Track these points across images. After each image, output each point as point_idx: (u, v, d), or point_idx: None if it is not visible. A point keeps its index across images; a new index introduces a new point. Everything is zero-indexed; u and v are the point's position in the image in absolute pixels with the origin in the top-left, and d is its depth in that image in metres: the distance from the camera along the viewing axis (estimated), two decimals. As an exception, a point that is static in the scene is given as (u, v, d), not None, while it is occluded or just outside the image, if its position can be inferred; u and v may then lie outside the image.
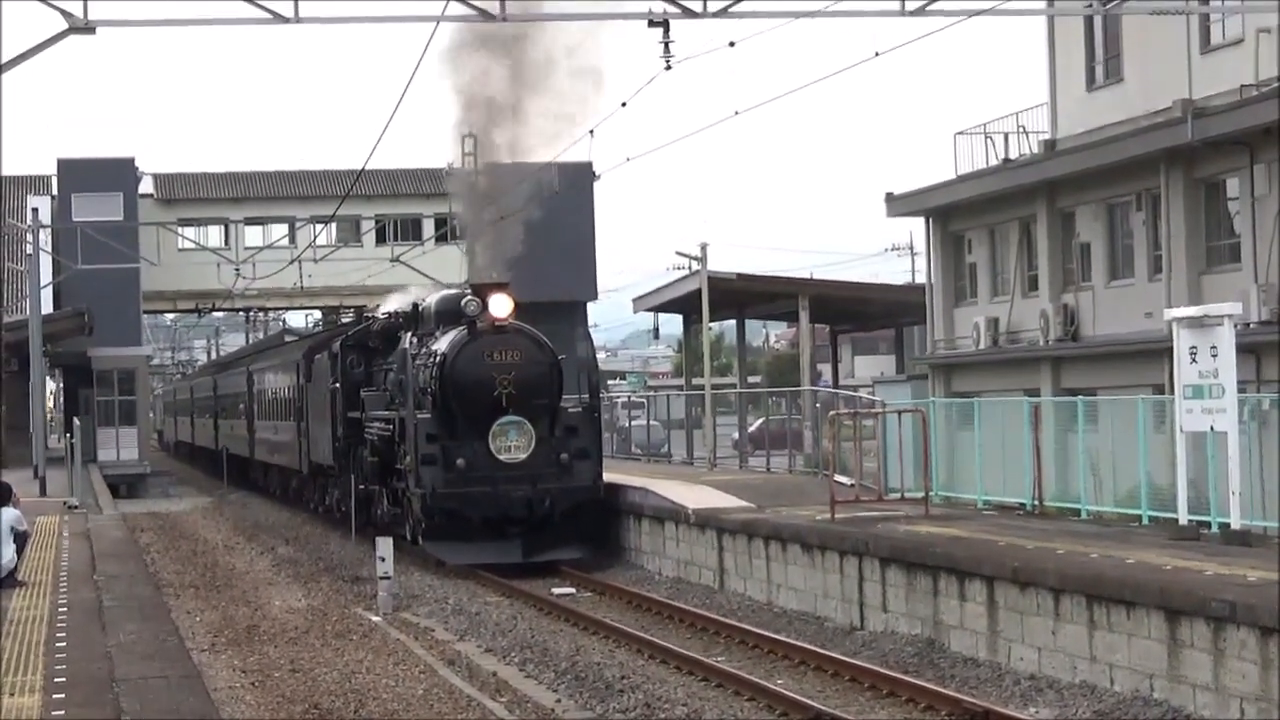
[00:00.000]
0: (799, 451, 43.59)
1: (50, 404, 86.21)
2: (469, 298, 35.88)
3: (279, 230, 76.78)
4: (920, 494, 30.21)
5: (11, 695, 15.03)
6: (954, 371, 45.49)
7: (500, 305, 35.34)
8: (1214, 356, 23.25)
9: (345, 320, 63.70)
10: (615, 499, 36.71)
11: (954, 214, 45.76)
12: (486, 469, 34.88)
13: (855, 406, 38.23)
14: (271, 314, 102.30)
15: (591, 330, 72.41)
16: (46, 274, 60.62)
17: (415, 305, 40.29)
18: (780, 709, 19.84)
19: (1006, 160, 42.93)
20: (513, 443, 35.01)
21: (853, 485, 32.30)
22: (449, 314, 37.25)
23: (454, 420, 35.50)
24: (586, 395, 37.41)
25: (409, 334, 38.95)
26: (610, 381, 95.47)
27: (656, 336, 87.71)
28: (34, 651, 17.56)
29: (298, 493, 53.04)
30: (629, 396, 68.51)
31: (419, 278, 58.64)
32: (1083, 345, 39.75)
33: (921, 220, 48.19)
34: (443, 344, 36.17)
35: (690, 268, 58.98)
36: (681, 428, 53.71)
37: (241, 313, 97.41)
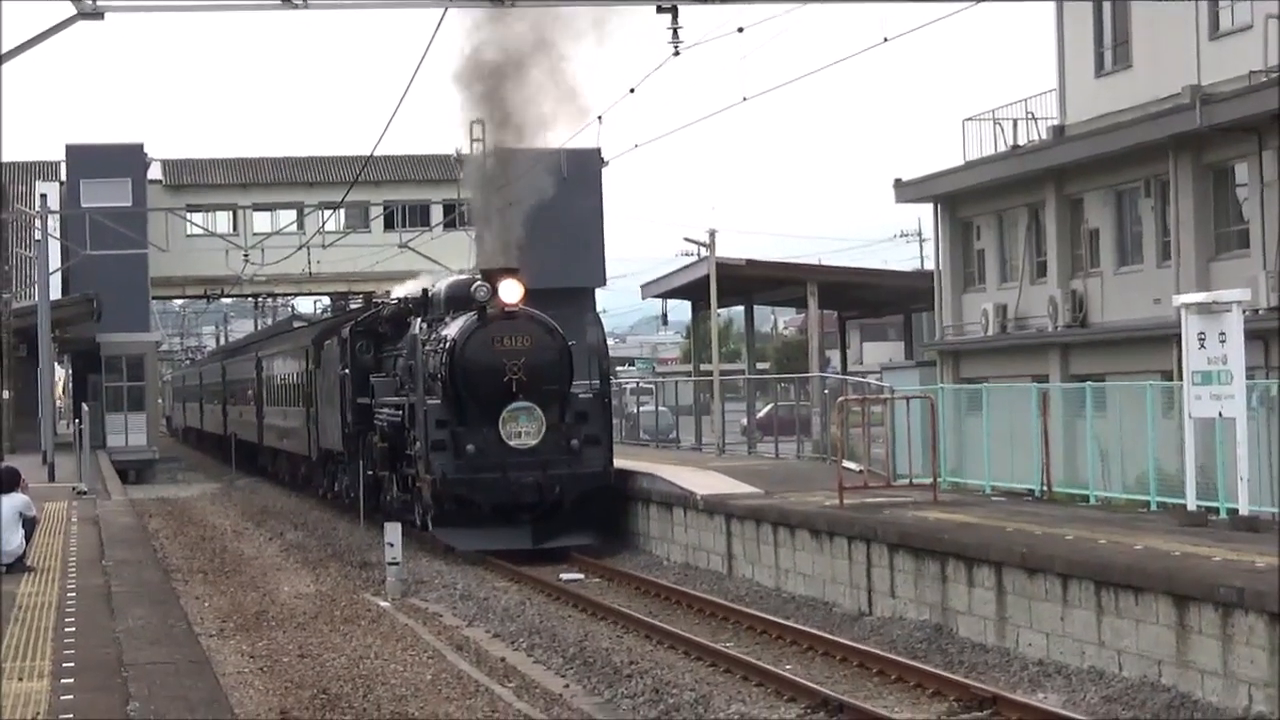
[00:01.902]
0: (807, 437, 43.58)
1: (59, 390, 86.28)
2: (479, 283, 35.77)
3: (287, 216, 76.86)
4: (928, 480, 30.17)
5: (20, 680, 15.07)
6: (962, 358, 45.50)
7: (510, 291, 35.28)
8: (1222, 343, 23.23)
9: (354, 306, 63.76)
10: (623, 485, 36.68)
11: (962, 200, 45.74)
12: (497, 455, 34.82)
13: (864, 393, 38.21)
14: (280, 300, 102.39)
15: (600, 316, 72.32)
16: (55, 260, 60.70)
17: (425, 291, 40.26)
18: (788, 694, 19.85)
19: (1015, 146, 42.91)
20: (523, 429, 34.97)
21: (861, 471, 32.29)
22: (459, 300, 37.21)
23: (464, 406, 35.47)
24: (597, 381, 37.34)
25: (419, 320, 38.91)
26: (619, 367, 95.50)
27: (665, 322, 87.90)
28: (43, 637, 17.59)
29: (306, 478, 53.08)
30: (638, 382, 68.49)
31: (427, 264, 58.70)
32: (1091, 331, 39.75)
33: (930, 206, 48.19)
34: (453, 330, 36.13)
35: (699, 254, 58.99)
36: (690, 414, 53.70)
37: (250, 299, 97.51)
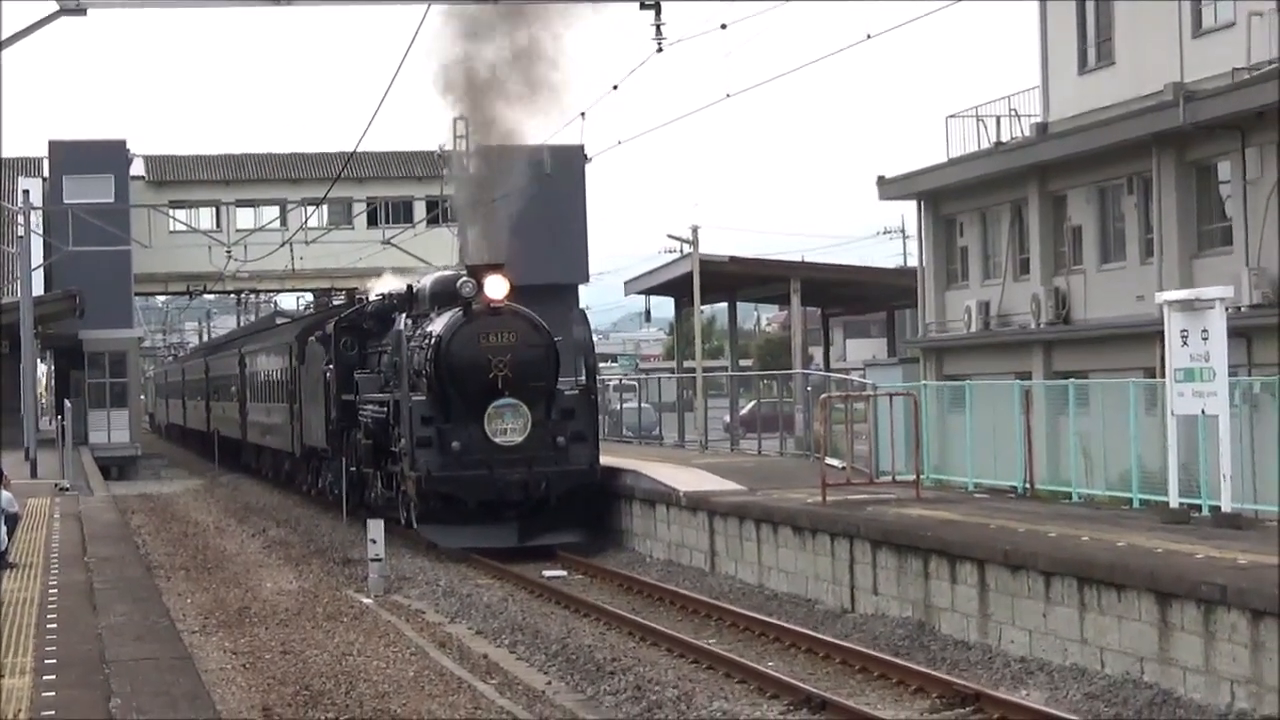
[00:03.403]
0: (790, 434, 43.60)
1: (41, 386, 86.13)
2: (464, 279, 35.72)
3: (270, 212, 76.77)
4: (911, 477, 30.20)
5: (2, 677, 15.03)
6: (945, 355, 45.50)
7: (496, 287, 35.21)
8: (1205, 340, 23.26)
9: (337, 302, 63.68)
10: (607, 482, 36.64)
11: (945, 197, 45.75)
12: (482, 452, 34.74)
13: (847, 389, 38.23)
14: (263, 296, 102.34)
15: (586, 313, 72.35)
16: (38, 256, 60.53)
17: (410, 287, 40.18)
18: (770, 691, 19.85)
19: (998, 143, 42.91)
20: (508, 425, 34.91)
21: (844, 468, 32.31)
22: (444, 295, 37.15)
23: (449, 403, 35.40)
24: (583, 377, 37.27)
25: (404, 316, 38.84)
26: (601, 364, 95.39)
27: (648, 319, 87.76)
28: (25, 633, 17.55)
29: (290, 475, 53.02)
30: (620, 379, 68.50)
31: (411, 260, 58.69)
32: (1074, 328, 39.77)
33: (913, 203, 48.18)
34: (438, 326, 36.06)
35: (682, 251, 59.03)
36: (673, 410, 53.73)
37: (233, 295, 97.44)
